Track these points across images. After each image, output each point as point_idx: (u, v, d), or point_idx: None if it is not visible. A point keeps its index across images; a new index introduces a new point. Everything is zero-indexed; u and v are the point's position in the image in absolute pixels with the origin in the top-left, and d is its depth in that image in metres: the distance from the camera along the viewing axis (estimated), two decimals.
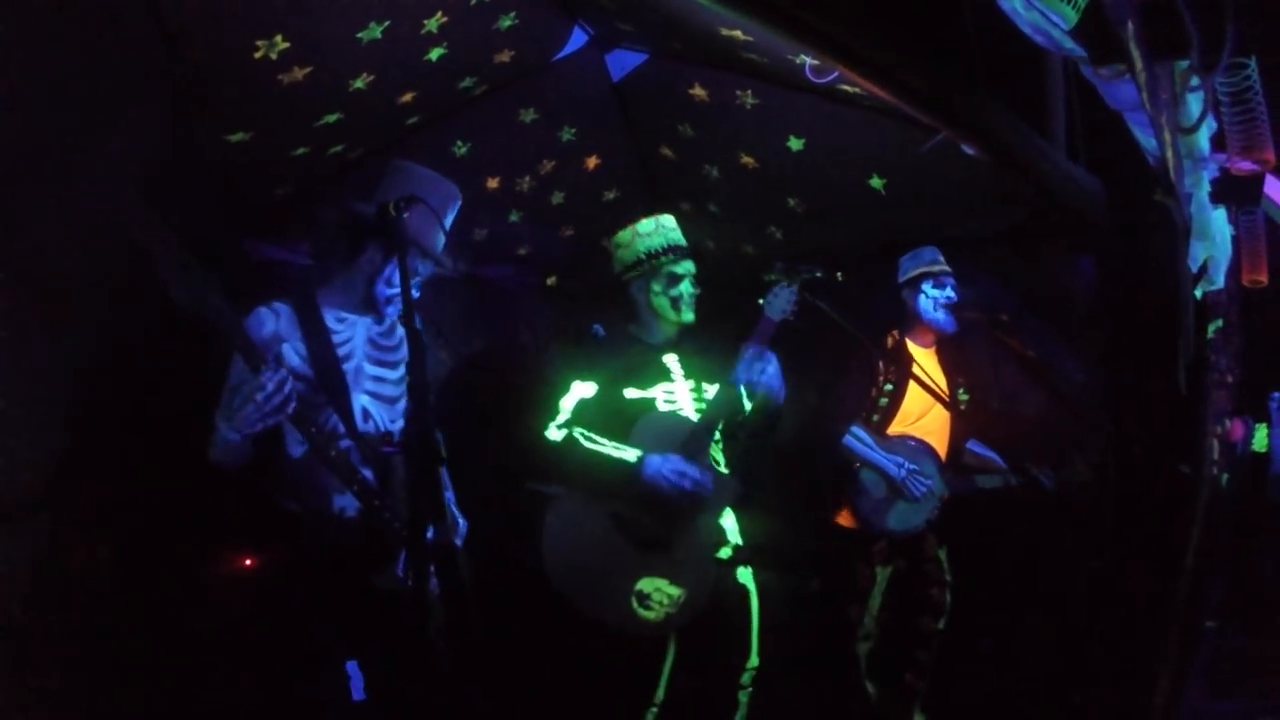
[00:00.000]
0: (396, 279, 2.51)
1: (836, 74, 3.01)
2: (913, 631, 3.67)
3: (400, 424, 2.61)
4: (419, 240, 2.52)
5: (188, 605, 2.59)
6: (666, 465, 2.84)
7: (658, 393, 3.04)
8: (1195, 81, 2.57)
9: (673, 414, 3.01)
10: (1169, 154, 2.57)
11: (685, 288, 3.11)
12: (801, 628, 3.71)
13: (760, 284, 3.07)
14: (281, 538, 2.40)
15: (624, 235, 3.22)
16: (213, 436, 2.32)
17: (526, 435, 2.96)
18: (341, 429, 2.44)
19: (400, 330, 2.66)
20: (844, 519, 3.64)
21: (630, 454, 2.89)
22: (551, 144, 3.97)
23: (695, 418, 3.00)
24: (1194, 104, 2.75)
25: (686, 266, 3.14)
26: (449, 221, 2.69)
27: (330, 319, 2.55)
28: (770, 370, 2.98)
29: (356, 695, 2.30)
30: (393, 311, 2.61)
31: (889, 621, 3.69)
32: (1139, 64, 2.35)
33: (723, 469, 3.07)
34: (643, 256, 3.14)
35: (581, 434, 2.94)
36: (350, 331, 2.58)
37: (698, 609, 2.86)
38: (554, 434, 2.94)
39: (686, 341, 3.20)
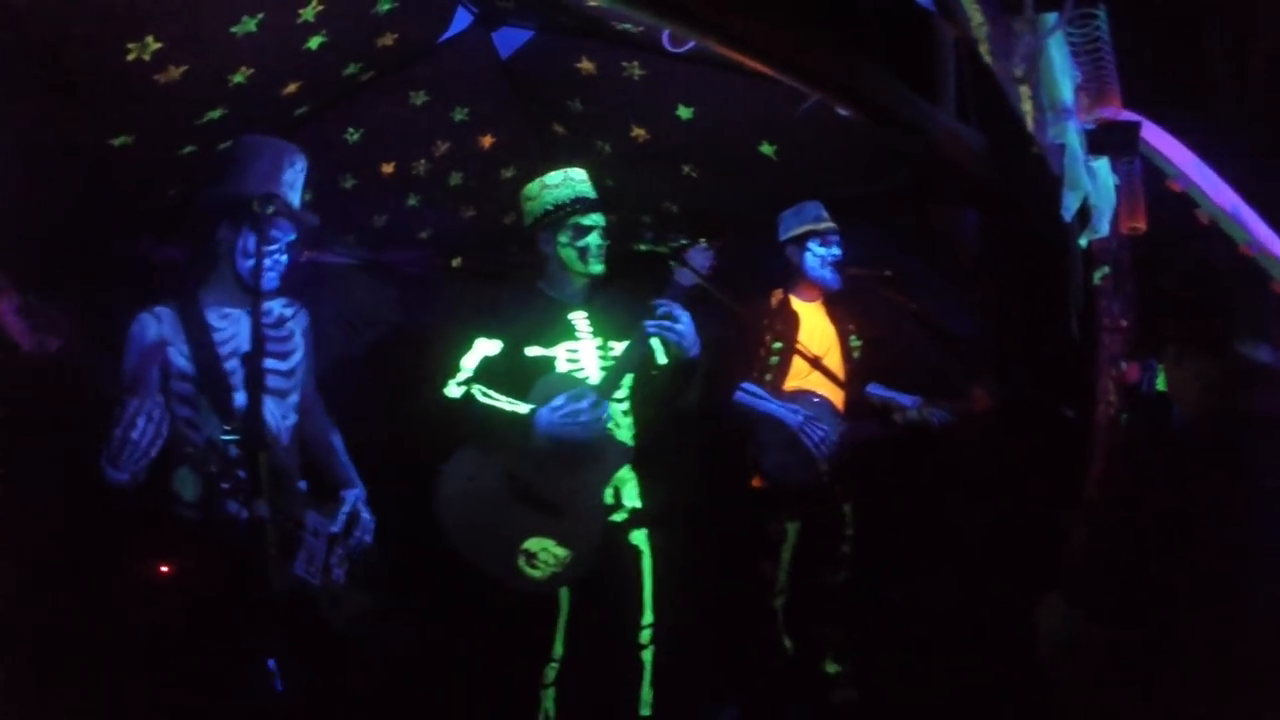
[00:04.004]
0: (252, 248, 2.51)
1: (693, 43, 3.05)
2: (818, 584, 3.77)
3: (292, 419, 2.60)
4: (288, 218, 2.58)
5: (98, 615, 2.57)
6: (556, 413, 2.85)
7: (559, 351, 3.02)
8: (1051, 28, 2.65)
9: (571, 375, 3.00)
10: (1027, 106, 2.68)
11: (593, 239, 3.06)
12: (710, 588, 3.79)
13: (634, 258, 3.09)
14: (182, 543, 2.41)
15: (532, 188, 3.17)
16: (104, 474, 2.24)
17: (426, 394, 2.93)
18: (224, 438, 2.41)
19: (290, 323, 2.69)
20: (754, 481, 3.70)
21: (523, 408, 2.89)
22: (445, 125, 3.96)
23: (598, 377, 3.00)
24: (1057, 53, 2.86)
25: (595, 219, 3.09)
26: (300, 180, 2.71)
27: (213, 317, 2.57)
28: (683, 322, 2.95)
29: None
30: (271, 280, 2.58)
31: (797, 575, 3.76)
32: (979, 19, 2.43)
33: (622, 430, 3.07)
34: (550, 208, 3.08)
35: (480, 390, 2.92)
36: (235, 328, 2.60)
37: (585, 569, 2.89)
38: (453, 391, 2.92)
39: (597, 298, 3.16)
